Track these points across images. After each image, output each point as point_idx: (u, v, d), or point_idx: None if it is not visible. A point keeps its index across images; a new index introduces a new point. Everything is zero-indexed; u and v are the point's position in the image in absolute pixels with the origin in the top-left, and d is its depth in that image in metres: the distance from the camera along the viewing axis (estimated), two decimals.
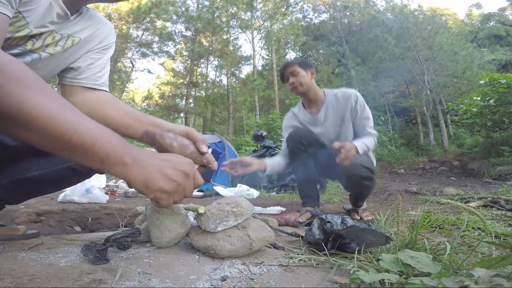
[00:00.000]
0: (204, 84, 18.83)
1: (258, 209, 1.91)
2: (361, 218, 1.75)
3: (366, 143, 1.59)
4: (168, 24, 16.84)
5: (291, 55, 20.31)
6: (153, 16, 15.17)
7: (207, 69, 19.02)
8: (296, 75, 1.73)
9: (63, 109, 0.45)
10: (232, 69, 17.30)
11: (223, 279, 0.64)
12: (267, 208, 1.98)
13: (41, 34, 0.72)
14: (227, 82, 17.30)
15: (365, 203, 1.93)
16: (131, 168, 0.52)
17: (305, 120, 1.86)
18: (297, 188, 2.11)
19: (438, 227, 1.28)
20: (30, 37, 0.70)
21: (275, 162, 1.80)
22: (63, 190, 2.11)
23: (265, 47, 18.40)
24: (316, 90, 1.79)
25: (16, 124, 0.41)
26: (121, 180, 4.53)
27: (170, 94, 18.14)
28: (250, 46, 16.82)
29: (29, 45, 0.70)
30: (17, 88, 0.40)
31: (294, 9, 17.55)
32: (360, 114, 1.73)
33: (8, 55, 0.44)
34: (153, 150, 0.72)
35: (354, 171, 1.55)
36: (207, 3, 16.94)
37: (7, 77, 0.40)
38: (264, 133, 6.14)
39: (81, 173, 0.85)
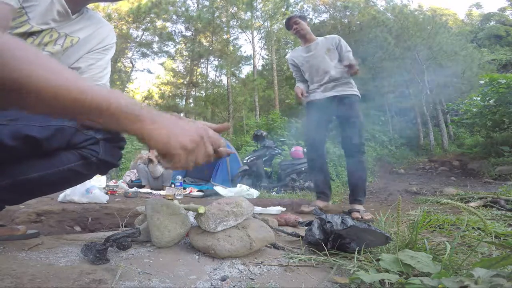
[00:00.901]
0: (204, 84, 18.81)
1: (258, 209, 1.91)
2: (361, 218, 1.81)
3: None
4: (168, 24, 16.81)
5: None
6: (153, 16, 15.15)
7: (207, 69, 19.00)
8: (298, 24, 2.40)
9: (71, 75, 0.44)
10: (232, 69, 17.27)
11: (223, 279, 0.64)
12: (267, 208, 1.98)
13: (41, 31, 0.72)
14: (227, 82, 17.29)
15: (362, 206, 2.13)
16: (151, 125, 0.51)
17: (303, 51, 2.48)
18: (313, 185, 2.65)
19: (438, 227, 1.28)
20: (30, 34, 0.70)
21: (303, 87, 2.47)
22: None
23: (265, 47, 18.38)
24: (311, 34, 2.45)
25: (27, 96, 0.41)
26: (121, 180, 4.53)
27: (170, 94, 18.11)
28: (250, 46, 16.82)
29: (28, 42, 0.70)
30: (21, 62, 0.40)
31: (294, 9, 17.51)
32: (344, 48, 2.36)
33: (6, 33, 0.43)
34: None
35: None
36: (207, 3, 16.91)
37: (8, 54, 0.39)
38: (264, 133, 6.14)
39: (82, 175, 0.85)
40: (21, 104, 0.43)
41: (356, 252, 0.76)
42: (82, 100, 0.44)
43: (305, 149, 4.60)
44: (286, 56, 18.27)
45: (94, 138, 0.81)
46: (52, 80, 0.42)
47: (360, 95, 2.33)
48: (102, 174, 0.94)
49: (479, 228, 1.20)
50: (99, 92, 0.45)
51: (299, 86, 2.43)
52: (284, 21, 2.65)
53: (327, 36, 2.47)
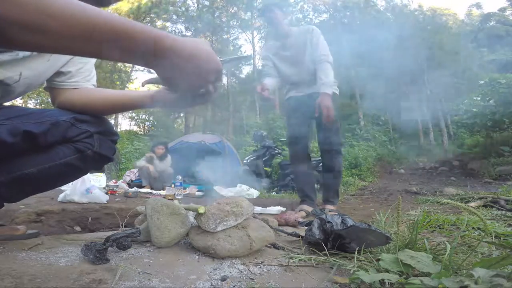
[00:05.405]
0: None
1: (258, 209, 1.91)
2: None
3: (328, 79, 2.03)
4: (168, 24, 16.85)
5: None
6: (153, 16, 15.18)
7: None
8: (273, 13, 2.22)
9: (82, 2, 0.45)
10: (232, 69, 17.29)
11: (223, 279, 0.64)
12: (267, 208, 1.98)
13: None
14: (227, 82, 17.31)
15: (334, 207, 2.15)
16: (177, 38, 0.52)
17: (276, 43, 2.34)
18: (296, 188, 2.49)
19: (438, 227, 1.28)
20: None
21: (271, 82, 2.25)
22: (63, 190, 2.11)
23: None
24: (285, 25, 2.25)
25: (48, 18, 0.40)
26: (121, 180, 4.53)
27: None
28: (250, 46, 16.85)
29: None
30: None
31: (294, 9, 17.54)
32: (316, 39, 2.16)
33: None
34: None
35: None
36: (207, 3, 16.94)
37: None
38: (264, 133, 6.15)
39: (78, 169, 0.85)
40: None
41: (356, 252, 0.76)
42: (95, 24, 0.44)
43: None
44: None
45: (89, 131, 0.82)
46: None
47: (337, 92, 2.21)
48: (97, 168, 0.95)
49: (479, 228, 1.20)
50: (112, 17, 0.47)
51: (265, 82, 2.21)
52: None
53: (301, 27, 2.32)
